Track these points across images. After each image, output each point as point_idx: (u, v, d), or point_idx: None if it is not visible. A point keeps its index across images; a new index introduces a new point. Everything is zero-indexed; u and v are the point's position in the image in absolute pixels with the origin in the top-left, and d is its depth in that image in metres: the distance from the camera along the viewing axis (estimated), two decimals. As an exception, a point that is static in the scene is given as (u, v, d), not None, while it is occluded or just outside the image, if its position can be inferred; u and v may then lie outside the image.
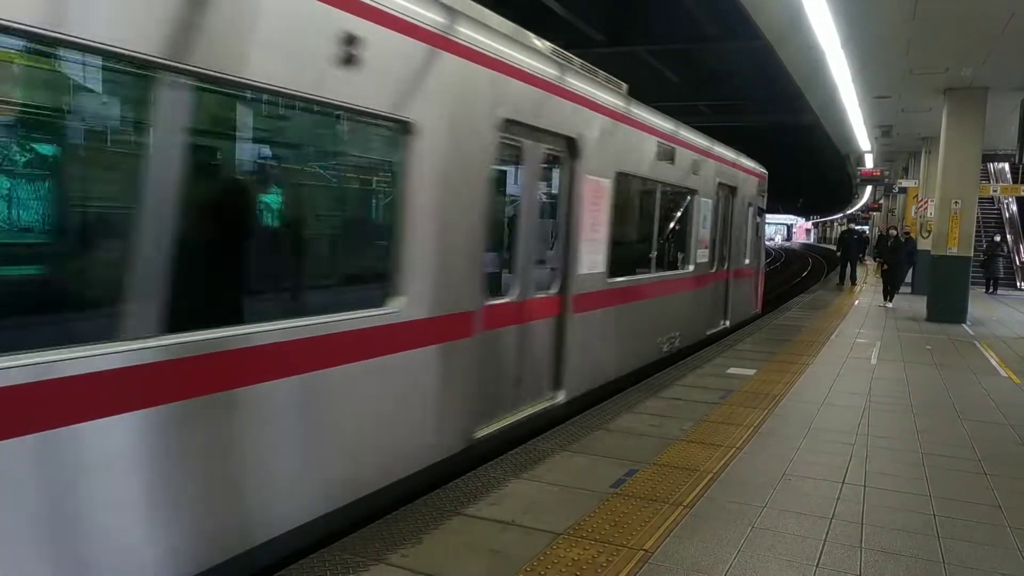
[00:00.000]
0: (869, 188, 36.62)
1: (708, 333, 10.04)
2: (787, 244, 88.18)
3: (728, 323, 11.03)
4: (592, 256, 6.07)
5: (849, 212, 54.52)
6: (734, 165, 10.89)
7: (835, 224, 71.65)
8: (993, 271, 20.57)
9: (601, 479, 4.39)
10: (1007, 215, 25.72)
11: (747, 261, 12.10)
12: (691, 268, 9.04)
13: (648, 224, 8.08)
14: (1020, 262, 23.67)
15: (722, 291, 10.71)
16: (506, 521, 3.74)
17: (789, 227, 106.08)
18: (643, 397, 6.60)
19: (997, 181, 25.25)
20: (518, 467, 4.55)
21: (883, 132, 19.34)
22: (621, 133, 6.61)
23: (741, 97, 22.69)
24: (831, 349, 9.77)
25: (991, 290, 20.47)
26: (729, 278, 10.94)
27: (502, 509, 3.89)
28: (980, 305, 16.17)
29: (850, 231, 23.83)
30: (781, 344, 10.04)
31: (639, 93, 7.62)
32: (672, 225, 9.00)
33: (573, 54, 6.30)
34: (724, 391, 6.92)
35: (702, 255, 9.42)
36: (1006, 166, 26.73)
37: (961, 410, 6.66)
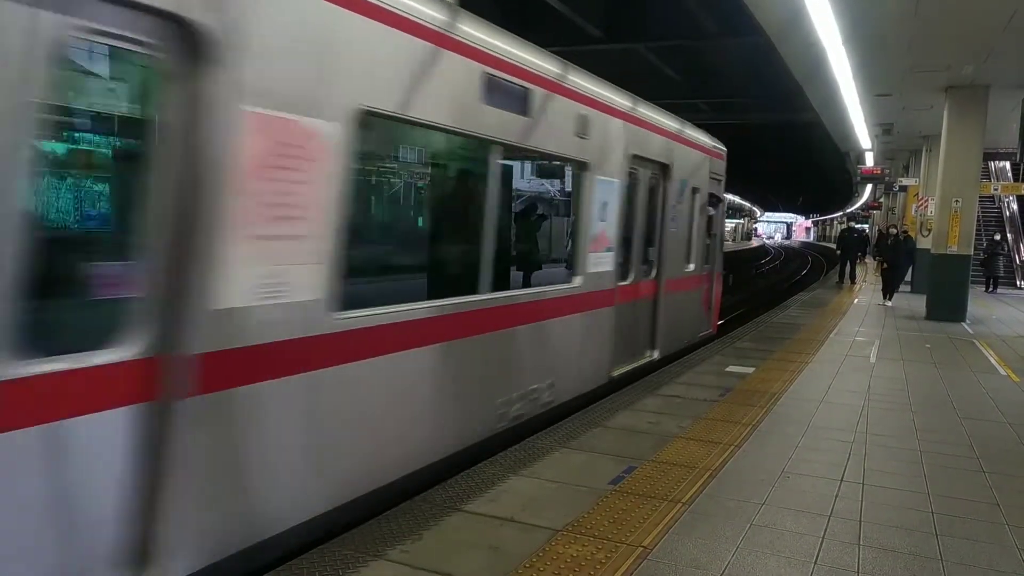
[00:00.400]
0: (869, 186, 36.62)
1: (616, 374, 6.91)
2: (786, 242, 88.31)
3: (656, 354, 7.92)
4: (268, 270, 3.11)
5: (849, 210, 54.54)
6: (665, 133, 7.74)
7: (835, 222, 71.70)
8: (993, 270, 20.58)
9: (600, 476, 4.40)
10: (1007, 214, 25.72)
11: (691, 267, 8.93)
12: (578, 282, 6.00)
13: (471, 213, 4.94)
14: (1020, 261, 23.67)
15: (646, 311, 7.63)
16: (505, 518, 3.75)
17: (788, 225, 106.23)
18: (641, 395, 6.60)
19: (998, 179, 25.24)
20: (516, 464, 4.55)
21: (884, 130, 19.33)
22: (372, 38, 3.61)
23: (741, 94, 22.67)
24: (830, 347, 9.78)
25: (991, 289, 20.48)
26: (659, 292, 7.81)
27: (501, 506, 3.90)
28: (980, 304, 16.17)
29: (850, 229, 23.85)
30: (780, 342, 10.05)
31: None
32: (533, 216, 6.66)
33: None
34: (723, 389, 6.93)
35: (599, 261, 6.32)
36: (1007, 164, 26.73)
37: (960, 408, 6.66)
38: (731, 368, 8.02)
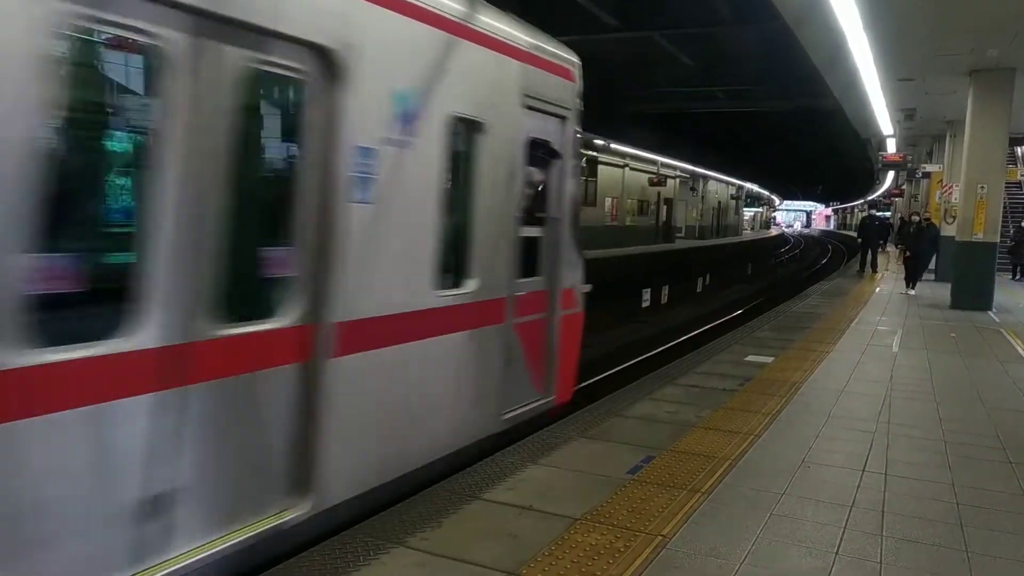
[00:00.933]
0: (892, 173, 36.06)
1: None
2: (806, 231, 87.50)
3: (309, 504, 3.31)
4: None
5: (870, 198, 53.80)
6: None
7: (855, 210, 70.84)
8: (1020, 257, 20.21)
9: (618, 465, 4.39)
10: (1034, 200, 25.18)
11: (468, 287, 4.42)
12: None
13: None
14: (1047, 248, 23.16)
15: (254, 410, 3.14)
16: (523, 506, 3.75)
17: (808, 214, 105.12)
18: (660, 384, 6.57)
19: (1024, 165, 24.71)
20: (535, 453, 4.55)
21: (906, 115, 19.00)
22: None
23: (758, 81, 22.44)
24: (851, 337, 9.66)
25: (1018, 276, 20.11)
26: (317, 355, 3.35)
27: (519, 494, 3.90)
28: (1006, 292, 15.88)
29: (871, 217, 23.57)
30: (800, 331, 9.94)
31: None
32: None
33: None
34: (742, 378, 6.87)
35: None
36: (1033, 150, 26.14)
37: (986, 398, 6.56)
38: (750, 358, 7.95)
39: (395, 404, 3.88)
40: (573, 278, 5.59)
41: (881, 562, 3.32)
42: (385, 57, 3.67)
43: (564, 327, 5.46)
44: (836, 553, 3.39)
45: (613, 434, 5.03)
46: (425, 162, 3.97)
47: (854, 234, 33.07)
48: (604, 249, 22.68)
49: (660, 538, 3.44)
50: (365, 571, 3.08)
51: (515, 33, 4.82)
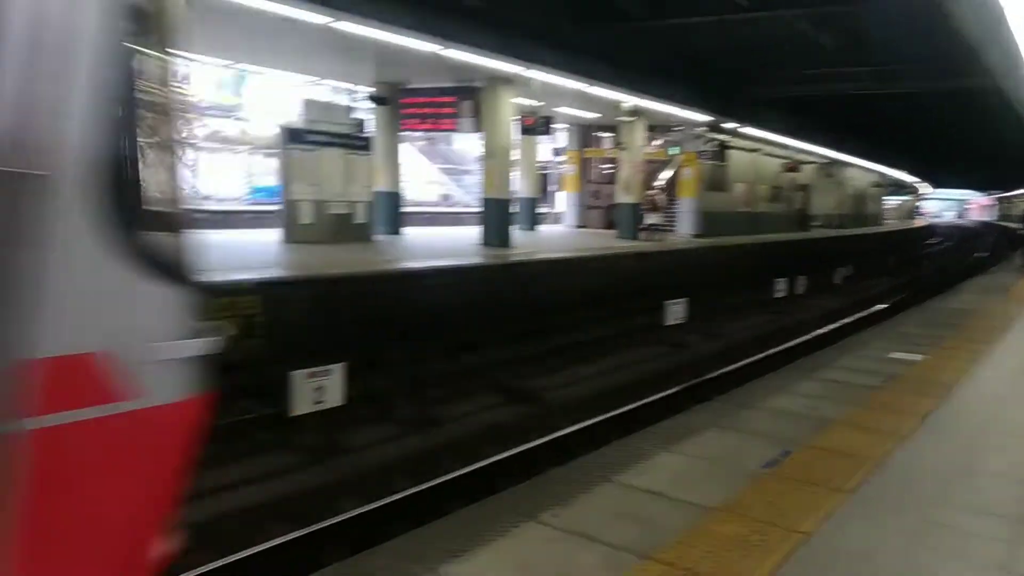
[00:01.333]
0: (1066, 158, 32.07)
1: None
2: (959, 222, 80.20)
3: None
4: None
5: (1039, 186, 48.17)
6: None
7: (1020, 201, 63.77)
8: None
9: (753, 458, 4.25)
10: None
11: None
12: None
13: None
14: None
15: None
16: (655, 491, 3.73)
17: (962, 203, 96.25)
18: (797, 378, 6.28)
19: None
20: (666, 440, 4.50)
21: (1087, 93, 16.83)
22: None
23: (901, 61, 20.64)
24: (1016, 337, 8.75)
25: None
26: None
27: (651, 479, 3.88)
28: None
29: (1040, 206, 21.20)
30: (952, 328, 9.13)
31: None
32: None
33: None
34: (886, 376, 6.42)
35: None
36: None
37: None
38: (895, 354, 7.40)
39: None
40: (119, 323, 1.66)
41: (1059, 582, 3.02)
42: None
43: (52, 458, 1.56)
44: (1004, 570, 3.11)
45: (747, 426, 4.87)
46: None
47: (1016, 225, 29.87)
48: (738, 236, 21.88)
49: (800, 534, 3.31)
50: (500, 542, 3.19)
51: None
